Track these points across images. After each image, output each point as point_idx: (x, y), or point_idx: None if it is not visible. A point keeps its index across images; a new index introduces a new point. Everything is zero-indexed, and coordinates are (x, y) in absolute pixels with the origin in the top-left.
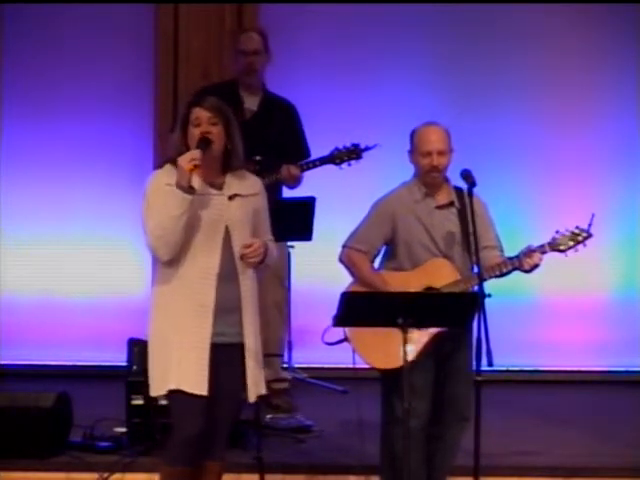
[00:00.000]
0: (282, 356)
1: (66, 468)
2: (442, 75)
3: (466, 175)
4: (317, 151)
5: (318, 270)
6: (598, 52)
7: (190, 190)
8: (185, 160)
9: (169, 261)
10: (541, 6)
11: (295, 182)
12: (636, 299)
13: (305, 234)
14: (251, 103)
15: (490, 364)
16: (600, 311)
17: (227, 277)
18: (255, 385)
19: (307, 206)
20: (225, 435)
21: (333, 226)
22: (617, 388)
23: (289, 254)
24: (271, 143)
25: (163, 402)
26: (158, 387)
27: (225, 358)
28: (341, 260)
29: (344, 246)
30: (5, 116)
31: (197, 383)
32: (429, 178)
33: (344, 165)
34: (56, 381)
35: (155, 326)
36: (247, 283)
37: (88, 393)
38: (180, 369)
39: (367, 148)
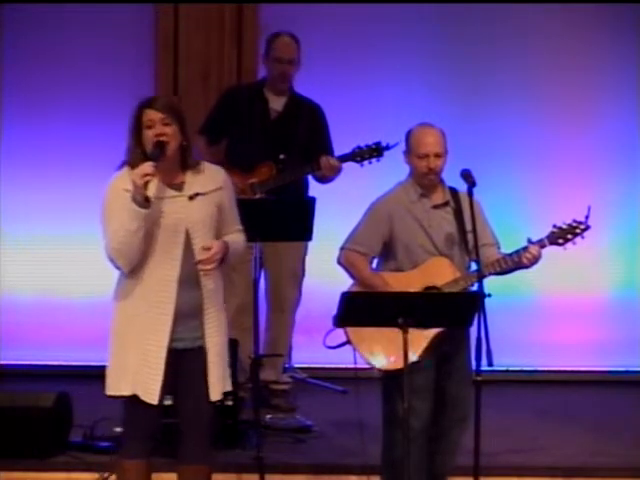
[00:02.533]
0: (284, 356)
1: (66, 468)
2: (442, 75)
3: (466, 175)
4: None
5: (318, 270)
6: (598, 52)
7: (145, 204)
8: (138, 175)
9: (128, 270)
10: (541, 6)
11: (334, 173)
12: (636, 299)
13: (305, 234)
14: (276, 104)
15: (490, 364)
16: (600, 311)
17: (188, 281)
18: (218, 382)
19: (307, 206)
20: (203, 438)
21: (333, 226)
22: (617, 388)
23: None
24: (295, 143)
25: (167, 402)
26: (113, 389)
27: (188, 363)
28: (339, 262)
29: (342, 248)
30: (5, 116)
31: (148, 391)
32: (426, 180)
33: (365, 163)
34: (56, 381)
35: (115, 329)
36: (210, 285)
37: (88, 393)
38: (135, 376)
39: (388, 146)
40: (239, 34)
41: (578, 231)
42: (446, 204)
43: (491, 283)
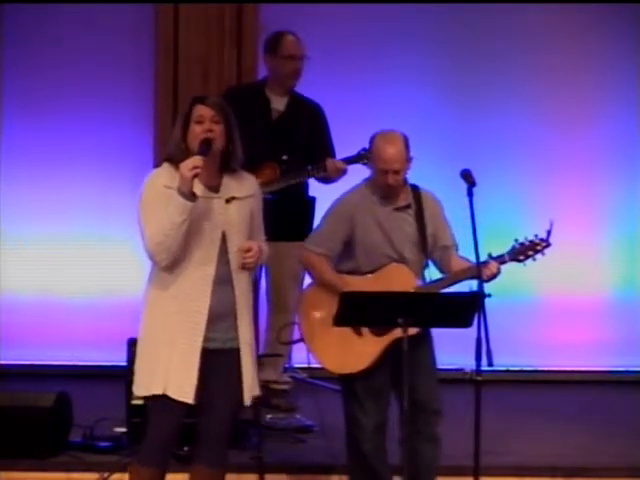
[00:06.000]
0: (284, 356)
1: (66, 468)
2: (442, 75)
3: (466, 175)
4: None
5: None
6: (598, 52)
7: (192, 197)
8: (187, 167)
9: (166, 266)
10: (541, 6)
11: (339, 175)
12: (636, 299)
13: (305, 234)
14: (278, 104)
15: (490, 364)
16: (600, 311)
17: (222, 282)
18: (250, 389)
19: (307, 206)
20: (223, 441)
21: None
22: (617, 388)
23: None
24: (297, 143)
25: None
26: (143, 388)
27: (219, 363)
28: (301, 262)
29: (304, 248)
30: (5, 116)
31: (183, 390)
32: (385, 191)
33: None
34: (56, 381)
35: (146, 328)
36: (242, 287)
37: (88, 393)
38: (168, 374)
39: None
40: (239, 34)
41: (539, 248)
42: (408, 207)
43: (491, 283)
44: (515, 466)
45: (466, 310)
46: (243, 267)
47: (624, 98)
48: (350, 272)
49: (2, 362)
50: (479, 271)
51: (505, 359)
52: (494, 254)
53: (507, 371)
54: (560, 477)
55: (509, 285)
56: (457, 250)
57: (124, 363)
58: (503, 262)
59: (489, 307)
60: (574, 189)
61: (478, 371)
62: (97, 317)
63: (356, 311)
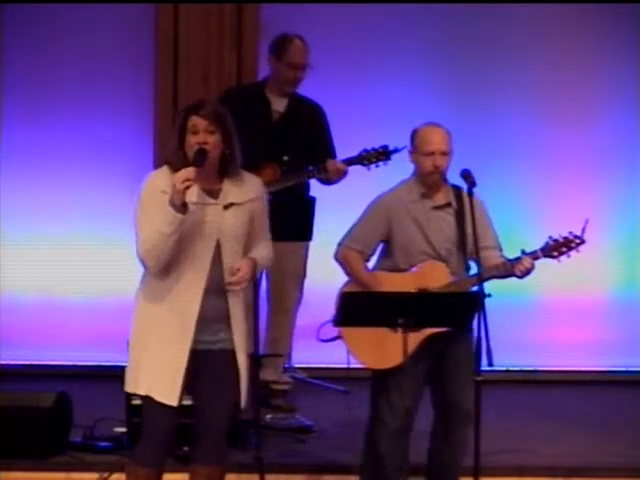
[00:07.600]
0: (284, 356)
1: (66, 468)
2: (442, 75)
3: (466, 175)
4: None
5: (317, 270)
6: (598, 52)
7: (182, 209)
8: (179, 180)
9: (156, 272)
10: (541, 6)
11: (340, 176)
12: (636, 299)
13: (305, 234)
14: (278, 105)
15: (490, 364)
16: (600, 311)
17: (215, 290)
18: (245, 394)
19: (307, 206)
20: (220, 439)
21: (331, 226)
22: (617, 388)
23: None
24: (298, 144)
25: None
26: (131, 387)
27: (209, 363)
28: (336, 258)
29: (340, 244)
30: (5, 116)
31: (167, 393)
32: (430, 179)
33: (372, 166)
34: (56, 381)
35: (136, 329)
36: (236, 295)
37: (88, 393)
38: (152, 377)
39: (396, 150)
40: (239, 34)
41: (573, 245)
42: (448, 205)
43: (491, 283)
44: (515, 466)
45: (466, 310)
46: (229, 286)
47: (624, 98)
48: (388, 270)
49: (2, 362)
50: (480, 277)
51: (505, 359)
52: (527, 250)
53: (507, 371)
54: (560, 477)
55: (509, 285)
56: (500, 251)
57: (124, 363)
58: (536, 258)
59: (489, 307)
60: (574, 189)
61: (478, 371)
62: (97, 317)
63: (356, 312)
